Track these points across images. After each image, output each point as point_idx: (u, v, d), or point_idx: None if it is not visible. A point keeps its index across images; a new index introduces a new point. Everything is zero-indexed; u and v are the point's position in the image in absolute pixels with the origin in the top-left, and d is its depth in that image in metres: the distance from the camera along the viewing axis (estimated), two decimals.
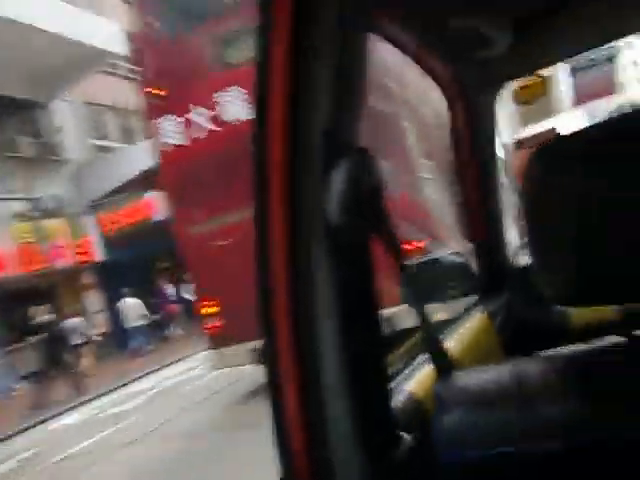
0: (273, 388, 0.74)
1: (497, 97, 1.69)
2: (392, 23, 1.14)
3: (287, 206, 0.70)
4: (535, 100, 2.11)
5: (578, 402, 0.71)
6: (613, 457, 0.68)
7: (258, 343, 0.78)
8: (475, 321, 1.51)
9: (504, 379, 0.79)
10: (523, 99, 2.10)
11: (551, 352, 0.85)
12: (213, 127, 7.42)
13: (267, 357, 0.74)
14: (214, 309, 7.55)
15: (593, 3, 1.29)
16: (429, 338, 0.88)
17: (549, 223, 0.70)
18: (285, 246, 0.71)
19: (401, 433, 0.83)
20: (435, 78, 1.50)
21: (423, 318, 0.87)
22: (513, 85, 1.76)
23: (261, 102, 0.69)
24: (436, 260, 1.66)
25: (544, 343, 1.33)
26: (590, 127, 0.70)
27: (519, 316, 1.61)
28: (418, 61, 1.40)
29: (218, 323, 7.50)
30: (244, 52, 6.40)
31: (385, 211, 0.78)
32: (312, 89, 0.69)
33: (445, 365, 0.88)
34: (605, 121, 0.70)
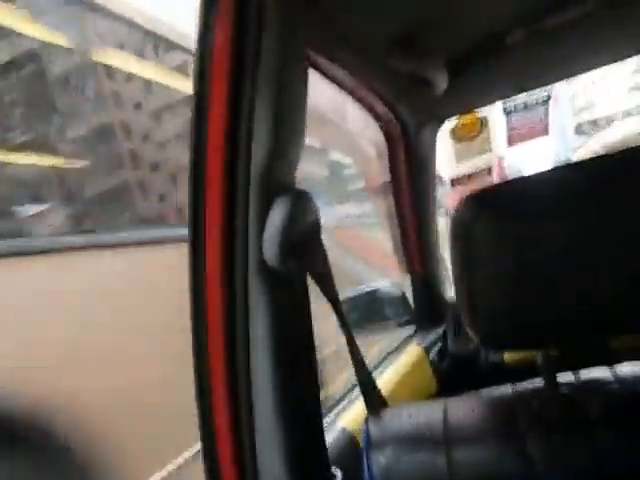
0: (204, 421, 0.73)
1: (436, 134, 1.73)
2: (331, 61, 1.15)
3: (224, 244, 0.69)
4: (472, 138, 2.18)
5: (503, 444, 0.72)
6: None
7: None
8: (410, 354, 1.52)
9: (433, 418, 0.79)
10: (460, 136, 2.17)
11: (483, 391, 0.85)
12: None
13: (198, 388, 0.73)
14: None
15: (530, 47, 1.35)
16: (360, 372, 0.87)
17: (474, 272, 0.72)
18: (222, 283, 0.70)
19: (334, 469, 0.82)
20: (375, 116, 1.53)
21: (356, 351, 0.87)
22: (451, 123, 1.80)
23: (200, 137, 0.68)
24: (373, 292, 1.66)
25: (477, 378, 1.35)
26: (520, 178, 0.73)
27: (454, 351, 1.63)
28: (359, 99, 1.42)
29: None
30: None
31: (321, 250, 0.78)
32: (250, 128, 0.68)
33: (375, 400, 0.88)
34: (535, 174, 0.72)
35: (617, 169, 0.69)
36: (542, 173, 0.72)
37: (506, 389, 0.82)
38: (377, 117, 1.53)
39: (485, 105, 1.75)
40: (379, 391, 0.89)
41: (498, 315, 0.72)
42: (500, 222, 0.70)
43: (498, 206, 0.71)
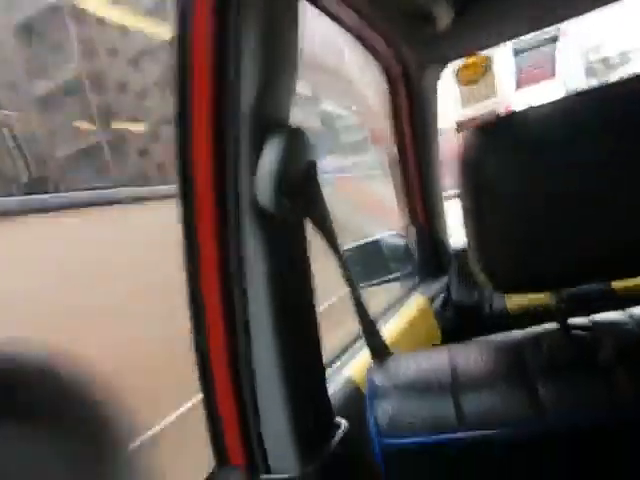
0: (205, 375, 0.72)
1: (439, 77, 1.67)
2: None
3: (214, 185, 0.67)
4: (477, 81, 2.11)
5: (512, 387, 0.71)
6: (552, 445, 0.67)
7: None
8: (414, 304, 1.51)
9: (439, 365, 0.78)
10: (465, 79, 2.10)
11: (491, 337, 0.83)
12: None
13: (198, 341, 0.72)
14: None
15: None
16: (364, 322, 0.86)
17: (484, 208, 0.68)
18: (215, 231, 0.68)
19: (337, 419, 0.82)
20: (377, 57, 1.48)
21: (359, 301, 0.85)
22: (455, 65, 1.74)
23: (184, 75, 0.64)
24: (376, 242, 1.64)
25: (481, 327, 1.35)
26: (529, 109, 0.68)
27: (457, 301, 1.62)
28: (360, 39, 1.37)
29: None
30: None
31: (319, 192, 0.75)
32: (239, 61, 0.64)
33: (380, 349, 0.86)
34: (546, 103, 0.67)
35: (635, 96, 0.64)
36: (556, 101, 0.67)
37: (514, 334, 0.81)
38: (379, 58, 1.48)
39: (490, 46, 1.68)
40: (383, 340, 0.88)
41: (510, 256, 0.68)
42: (514, 152, 0.65)
43: (510, 135, 0.66)
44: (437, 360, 0.79)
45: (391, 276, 1.60)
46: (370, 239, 1.64)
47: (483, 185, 0.67)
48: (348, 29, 1.28)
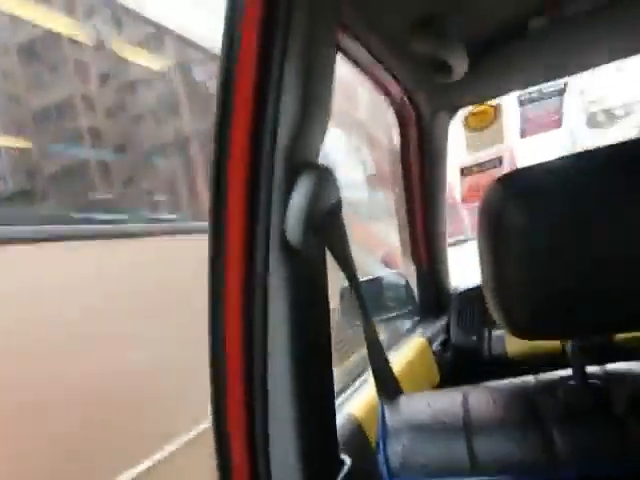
0: (217, 402, 0.72)
1: (450, 122, 1.70)
2: (352, 41, 1.13)
3: (246, 219, 0.69)
4: (485, 128, 2.14)
5: (526, 432, 0.71)
6: None
7: None
8: (413, 344, 1.51)
9: (452, 407, 0.78)
10: (473, 125, 2.13)
11: (503, 381, 0.84)
12: None
13: (214, 362, 0.72)
14: None
15: (551, 36, 1.32)
16: (376, 357, 0.86)
17: (504, 254, 0.69)
18: (243, 260, 0.69)
19: (342, 456, 0.81)
20: (390, 100, 1.51)
21: (374, 336, 0.85)
22: (465, 112, 1.78)
23: (226, 106, 0.67)
24: (377, 280, 1.65)
25: (480, 371, 1.34)
26: (548, 162, 0.71)
27: (457, 343, 1.62)
28: (375, 81, 1.40)
29: None
30: None
31: (342, 228, 0.77)
32: (277, 104, 0.67)
33: (389, 387, 0.86)
34: (564, 157, 0.70)
35: None
36: (573, 155, 0.69)
37: (528, 379, 0.81)
38: (392, 101, 1.51)
39: (502, 95, 1.72)
40: (395, 377, 0.88)
41: (530, 303, 0.68)
42: (532, 203, 0.66)
43: (529, 187, 0.68)
44: (450, 402, 0.79)
45: (391, 314, 1.60)
46: (371, 277, 1.64)
47: (503, 233, 0.68)
48: (363, 70, 1.31)
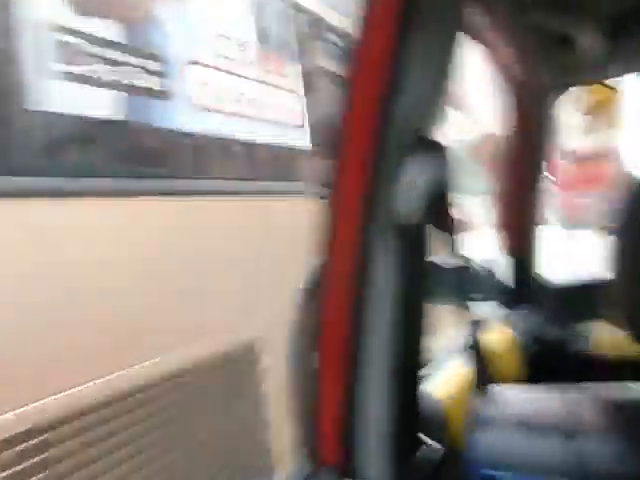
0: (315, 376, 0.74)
1: (564, 100, 1.61)
2: (473, 19, 1.10)
3: (360, 194, 0.71)
4: (601, 111, 2.00)
5: (632, 447, 0.67)
6: None
7: None
8: (499, 335, 1.46)
9: (551, 406, 0.76)
10: (590, 108, 2.00)
11: (603, 385, 0.81)
12: None
13: (314, 342, 0.74)
14: None
15: None
16: (470, 346, 0.85)
17: None
18: (354, 239, 0.71)
19: (427, 440, 0.81)
20: (505, 74, 1.45)
21: (467, 322, 0.88)
22: (580, 92, 1.66)
23: (350, 96, 0.70)
24: (464, 266, 1.61)
25: (566, 369, 1.30)
26: None
27: (545, 337, 1.56)
28: (492, 55, 1.36)
29: None
30: None
31: (449, 204, 0.78)
32: (407, 86, 0.68)
33: (480, 376, 0.87)
34: None
35: None
36: None
37: (634, 386, 0.78)
38: (507, 75, 1.44)
39: (620, 75, 1.59)
40: (486, 366, 0.89)
41: None
42: None
43: None
44: (548, 400, 0.78)
45: (479, 301, 1.56)
46: (457, 262, 1.60)
47: None
48: (481, 45, 1.28)
